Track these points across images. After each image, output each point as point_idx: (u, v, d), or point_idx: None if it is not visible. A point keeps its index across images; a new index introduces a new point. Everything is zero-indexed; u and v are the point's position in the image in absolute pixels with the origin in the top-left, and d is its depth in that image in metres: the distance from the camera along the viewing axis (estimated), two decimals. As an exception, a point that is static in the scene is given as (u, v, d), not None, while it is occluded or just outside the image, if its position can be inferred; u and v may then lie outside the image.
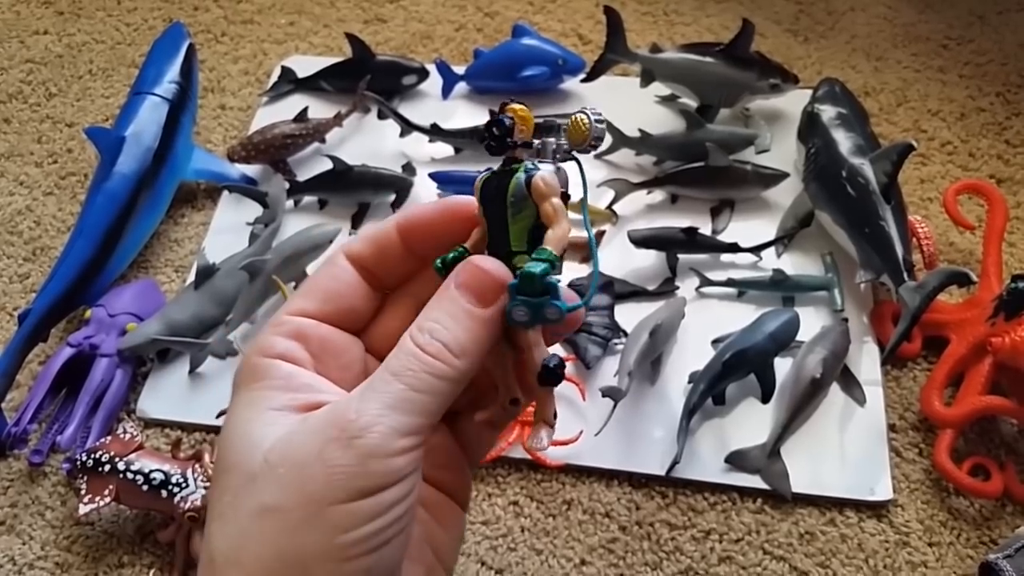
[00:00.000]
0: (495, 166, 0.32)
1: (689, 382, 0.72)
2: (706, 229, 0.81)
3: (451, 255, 0.31)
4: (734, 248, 0.79)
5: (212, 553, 0.28)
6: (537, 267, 0.29)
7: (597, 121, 0.30)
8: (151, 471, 0.65)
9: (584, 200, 0.31)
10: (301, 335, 0.32)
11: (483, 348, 0.30)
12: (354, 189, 0.85)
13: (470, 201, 0.33)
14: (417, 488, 0.29)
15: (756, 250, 0.79)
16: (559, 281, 0.30)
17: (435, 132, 0.88)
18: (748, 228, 0.82)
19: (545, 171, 0.30)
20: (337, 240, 0.78)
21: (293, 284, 0.77)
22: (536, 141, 0.31)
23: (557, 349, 0.72)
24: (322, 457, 0.28)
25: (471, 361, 0.30)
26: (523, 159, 0.31)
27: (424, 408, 0.29)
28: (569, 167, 0.32)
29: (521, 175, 0.30)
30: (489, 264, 0.30)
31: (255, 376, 0.31)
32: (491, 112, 0.27)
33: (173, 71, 0.89)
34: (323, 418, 0.29)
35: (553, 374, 0.30)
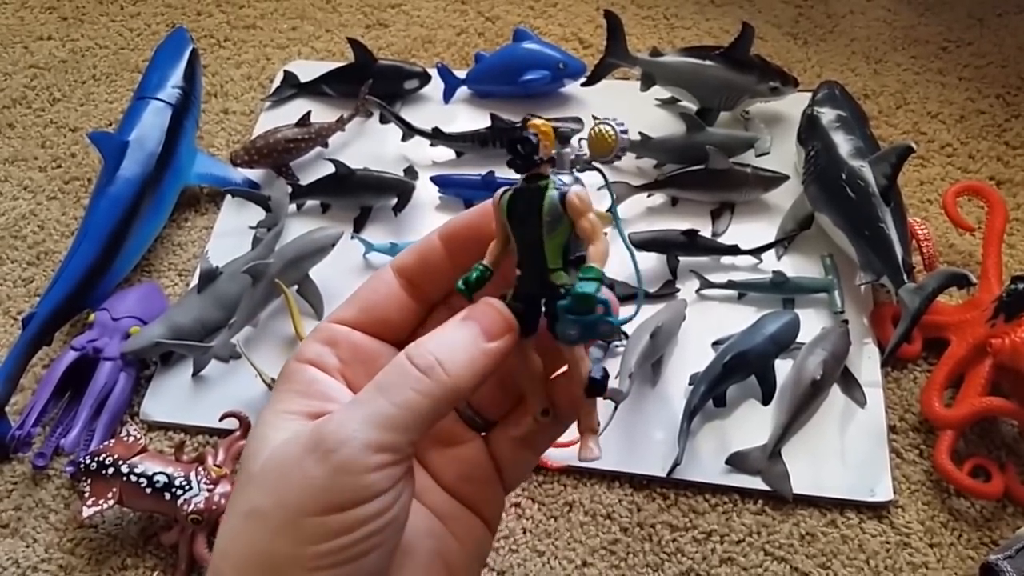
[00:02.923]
0: (503, 180, 0.31)
1: (690, 384, 0.72)
2: (706, 231, 0.81)
3: (474, 275, 0.31)
4: (734, 250, 0.79)
5: (215, 545, 0.30)
6: (591, 287, 0.29)
7: (622, 132, 0.30)
8: (154, 474, 0.65)
9: (614, 210, 0.31)
10: (332, 340, 0.33)
11: (477, 377, 0.30)
12: (356, 193, 0.85)
13: (478, 221, 0.33)
14: (402, 504, 0.29)
15: (756, 252, 0.79)
16: (607, 297, 0.30)
17: (437, 136, 0.89)
18: (748, 230, 0.82)
19: (578, 187, 0.30)
20: (339, 243, 0.78)
21: (295, 287, 0.77)
22: (554, 153, 0.31)
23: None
24: (300, 467, 0.28)
25: (461, 385, 0.29)
26: (547, 174, 0.30)
27: (404, 424, 0.28)
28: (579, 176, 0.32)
29: (554, 192, 0.29)
30: (501, 306, 0.31)
31: (284, 379, 0.32)
32: (511, 131, 0.26)
33: (176, 76, 0.90)
34: (313, 428, 0.29)
35: (600, 385, 0.31)
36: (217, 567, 0.29)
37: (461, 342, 0.30)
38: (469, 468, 0.35)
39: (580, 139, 0.31)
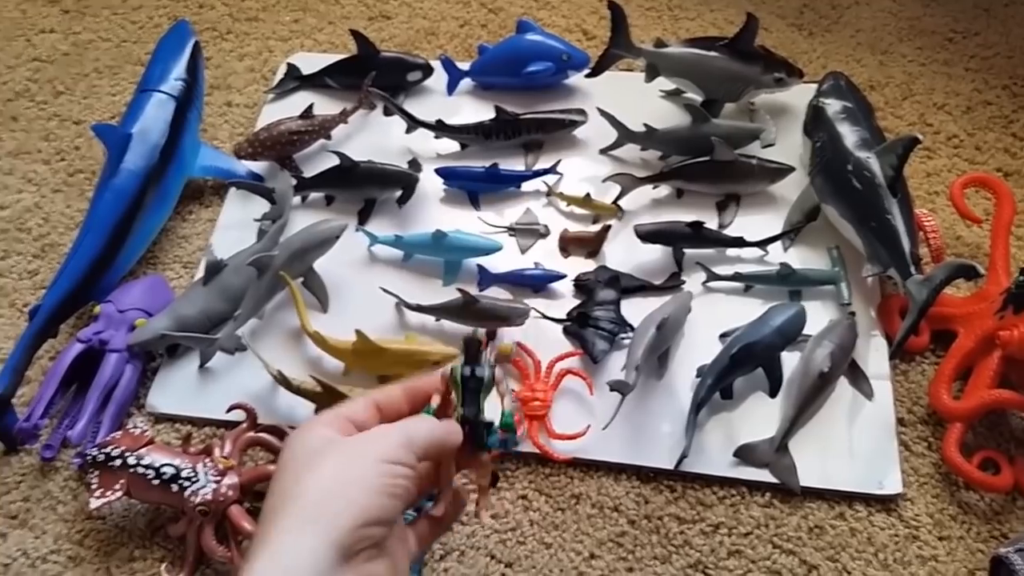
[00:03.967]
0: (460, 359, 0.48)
1: (696, 376, 0.72)
2: (712, 223, 0.81)
3: (432, 411, 0.48)
4: (740, 242, 0.79)
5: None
6: (512, 419, 0.50)
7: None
8: (161, 465, 0.65)
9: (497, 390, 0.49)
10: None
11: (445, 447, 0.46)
12: (360, 185, 0.85)
13: (433, 383, 0.49)
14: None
15: (762, 244, 0.79)
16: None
17: (440, 128, 0.88)
18: (754, 222, 0.82)
19: (498, 369, 0.49)
20: (344, 235, 0.78)
21: (300, 280, 0.77)
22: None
23: (566, 345, 0.71)
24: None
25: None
26: (483, 363, 0.48)
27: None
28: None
29: (489, 373, 0.48)
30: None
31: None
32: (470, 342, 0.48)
33: (179, 68, 0.89)
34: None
35: (497, 479, 0.58)
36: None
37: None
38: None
39: (490, 349, 0.51)
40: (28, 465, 0.72)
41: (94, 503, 0.64)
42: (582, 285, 0.78)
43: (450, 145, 0.90)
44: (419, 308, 0.77)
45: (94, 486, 0.65)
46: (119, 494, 0.64)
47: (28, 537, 0.68)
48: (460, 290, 0.74)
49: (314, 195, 0.87)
